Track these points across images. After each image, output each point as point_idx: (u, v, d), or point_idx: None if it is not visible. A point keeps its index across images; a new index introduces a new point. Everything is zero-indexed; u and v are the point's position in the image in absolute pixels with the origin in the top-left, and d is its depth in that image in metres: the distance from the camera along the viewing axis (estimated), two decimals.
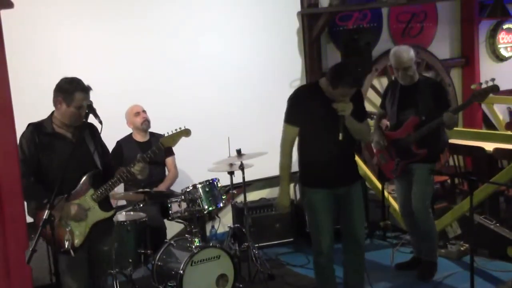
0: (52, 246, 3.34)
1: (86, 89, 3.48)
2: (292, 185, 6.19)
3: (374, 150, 5.13)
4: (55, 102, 3.49)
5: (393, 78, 6.00)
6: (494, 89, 4.34)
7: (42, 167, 3.45)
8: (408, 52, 4.52)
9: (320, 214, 3.92)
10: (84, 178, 3.51)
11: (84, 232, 3.47)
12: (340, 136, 3.71)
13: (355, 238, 4.01)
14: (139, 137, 5.08)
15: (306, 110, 3.83)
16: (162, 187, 4.97)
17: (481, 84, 4.40)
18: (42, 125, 3.51)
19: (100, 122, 3.38)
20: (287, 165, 3.94)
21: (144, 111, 5.06)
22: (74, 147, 3.41)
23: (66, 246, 3.35)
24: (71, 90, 3.45)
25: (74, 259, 3.41)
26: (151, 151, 3.55)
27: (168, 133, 3.65)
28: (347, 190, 3.92)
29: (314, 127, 3.83)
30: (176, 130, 3.66)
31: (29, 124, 3.52)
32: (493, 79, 4.35)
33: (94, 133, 3.65)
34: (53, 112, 3.56)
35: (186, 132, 3.69)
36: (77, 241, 3.44)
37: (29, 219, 3.18)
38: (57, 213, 3.32)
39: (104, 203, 3.59)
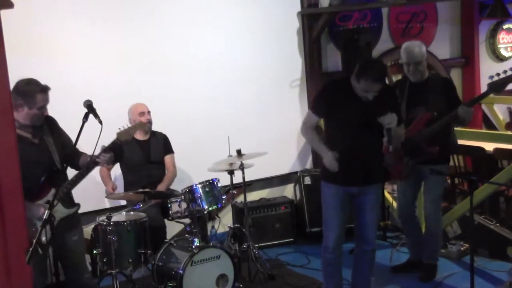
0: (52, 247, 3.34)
1: (45, 89, 3.45)
2: (292, 185, 6.19)
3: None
4: (14, 106, 3.34)
5: (393, 78, 6.01)
6: None
7: None
8: (420, 47, 4.45)
9: (330, 209, 3.92)
10: (43, 178, 3.50)
11: (49, 230, 3.46)
12: (390, 149, 3.91)
13: (363, 241, 4.01)
14: (140, 136, 5.07)
15: (332, 103, 3.83)
16: (161, 188, 4.95)
17: (498, 74, 4.28)
18: None
19: (100, 122, 3.34)
20: (313, 138, 3.94)
21: (149, 112, 5.05)
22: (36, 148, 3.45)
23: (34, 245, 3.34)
24: (31, 93, 3.40)
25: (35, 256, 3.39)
26: (111, 143, 3.58)
27: (123, 127, 3.69)
28: (360, 191, 3.89)
29: (337, 120, 3.83)
30: (128, 125, 3.76)
31: None
32: None
33: (52, 126, 3.61)
34: None
35: (140, 125, 3.99)
36: (44, 239, 3.44)
37: None
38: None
39: (67, 200, 3.60)
